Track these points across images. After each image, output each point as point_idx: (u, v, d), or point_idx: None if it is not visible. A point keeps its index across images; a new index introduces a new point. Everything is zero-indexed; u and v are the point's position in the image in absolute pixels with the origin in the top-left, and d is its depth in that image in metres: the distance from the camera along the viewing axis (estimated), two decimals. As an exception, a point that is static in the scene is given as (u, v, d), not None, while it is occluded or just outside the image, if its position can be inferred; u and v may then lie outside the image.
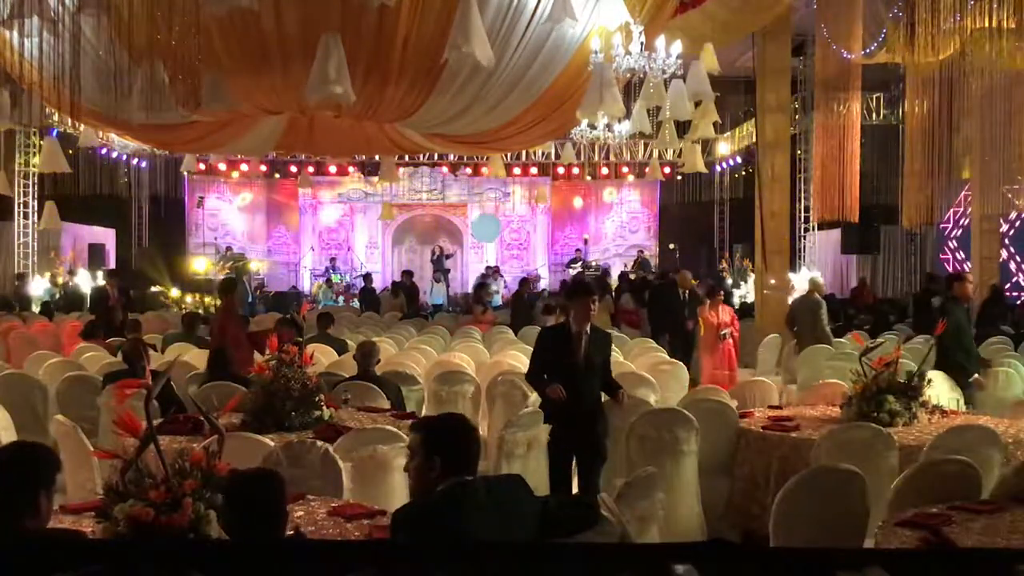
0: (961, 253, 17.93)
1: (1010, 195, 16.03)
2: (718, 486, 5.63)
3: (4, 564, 1.66)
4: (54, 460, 2.90)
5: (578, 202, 23.84)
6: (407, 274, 17.63)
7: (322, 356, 8.06)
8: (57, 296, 17.33)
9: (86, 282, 17.59)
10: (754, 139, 14.64)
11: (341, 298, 20.39)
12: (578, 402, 5.42)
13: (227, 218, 22.98)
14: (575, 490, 5.50)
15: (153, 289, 18.63)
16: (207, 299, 18.73)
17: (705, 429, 5.45)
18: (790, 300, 12.04)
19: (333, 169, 22.11)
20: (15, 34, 8.28)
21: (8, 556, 1.68)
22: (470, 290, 21.03)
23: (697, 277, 19.26)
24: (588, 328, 5.53)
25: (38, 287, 17.79)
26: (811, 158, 16.79)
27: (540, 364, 5.68)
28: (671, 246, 21.98)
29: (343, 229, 23.34)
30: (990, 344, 9.68)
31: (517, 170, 22.48)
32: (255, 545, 2.46)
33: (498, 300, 19.05)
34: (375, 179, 21.39)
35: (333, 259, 21.96)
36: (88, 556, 1.75)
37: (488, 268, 21.66)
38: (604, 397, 5.67)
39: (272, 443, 4.73)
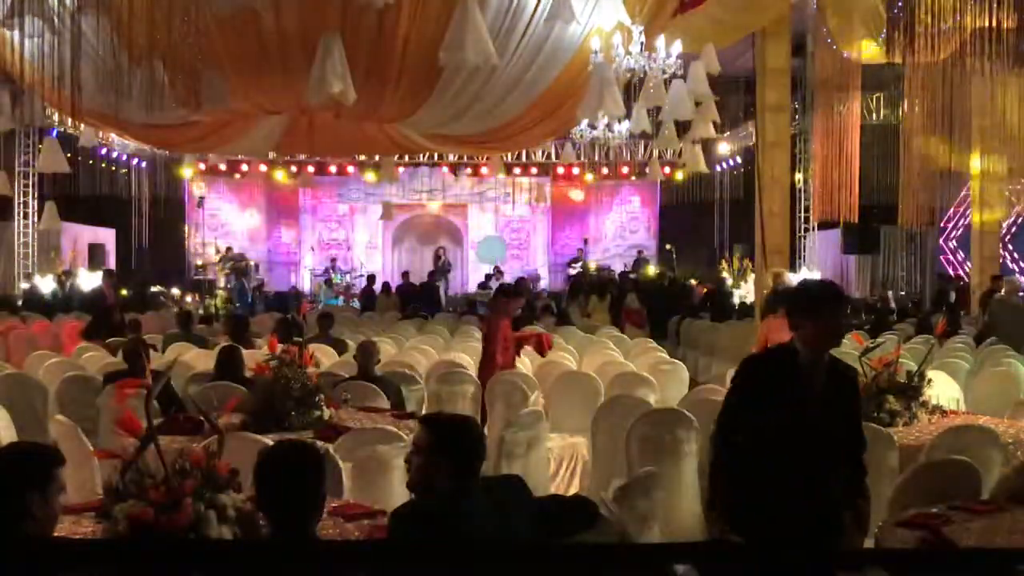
0: (961, 253, 17.92)
1: (1010, 195, 16.04)
2: (718, 486, 5.60)
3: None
4: (46, 458, 2.77)
5: (578, 201, 23.82)
6: (405, 275, 17.69)
7: (322, 356, 8.06)
8: (59, 296, 17.31)
9: (88, 282, 17.56)
10: (754, 139, 14.63)
11: (341, 298, 20.39)
12: (808, 497, 3.21)
13: (227, 218, 22.97)
14: None
15: (153, 289, 18.62)
16: (208, 299, 18.74)
17: (705, 429, 5.44)
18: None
19: (333, 169, 22.10)
20: (15, 34, 8.26)
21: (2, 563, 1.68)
22: (469, 290, 21.05)
23: (697, 279, 19.34)
24: (827, 359, 3.37)
25: (42, 287, 17.76)
26: (811, 158, 16.78)
27: (737, 423, 3.36)
28: (668, 247, 21.95)
29: (343, 229, 23.34)
30: (989, 344, 9.63)
31: (517, 170, 22.45)
32: (254, 545, 2.47)
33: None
34: (375, 178, 21.38)
35: (334, 259, 21.95)
36: (88, 557, 1.75)
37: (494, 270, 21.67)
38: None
39: (272, 443, 4.72)
